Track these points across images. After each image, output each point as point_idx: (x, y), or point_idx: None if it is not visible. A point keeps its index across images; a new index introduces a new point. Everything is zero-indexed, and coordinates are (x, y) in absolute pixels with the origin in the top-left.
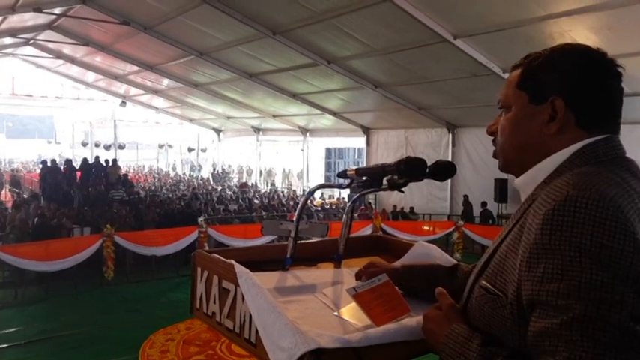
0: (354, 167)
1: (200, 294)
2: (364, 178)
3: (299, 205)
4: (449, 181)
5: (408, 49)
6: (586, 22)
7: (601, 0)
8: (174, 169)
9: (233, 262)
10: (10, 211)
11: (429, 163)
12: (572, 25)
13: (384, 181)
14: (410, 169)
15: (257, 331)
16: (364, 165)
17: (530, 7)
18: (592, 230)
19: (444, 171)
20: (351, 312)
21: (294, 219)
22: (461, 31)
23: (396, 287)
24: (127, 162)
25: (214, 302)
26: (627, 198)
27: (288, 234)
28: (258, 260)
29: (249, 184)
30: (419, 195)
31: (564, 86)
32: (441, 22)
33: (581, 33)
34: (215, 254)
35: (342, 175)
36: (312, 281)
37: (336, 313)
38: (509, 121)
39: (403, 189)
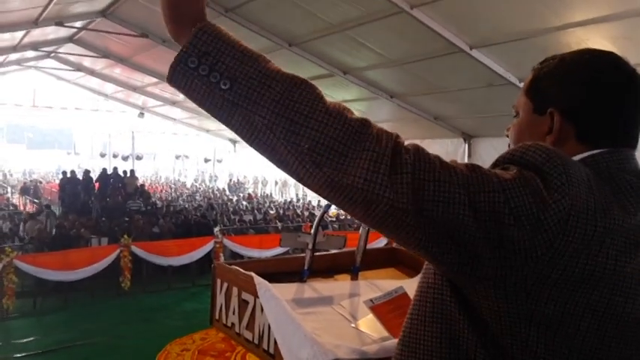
0: None
1: (220, 305)
2: None
3: (317, 219)
4: None
5: (424, 59)
6: (603, 32)
7: (618, 9)
8: (196, 180)
9: (253, 274)
10: (26, 220)
11: None
12: (589, 34)
13: None
14: None
15: (276, 342)
16: None
17: (547, 17)
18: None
19: None
20: (368, 324)
21: (312, 232)
22: (477, 42)
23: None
24: (144, 172)
25: (234, 313)
26: (582, 172)
27: (306, 246)
28: (277, 272)
29: (266, 193)
30: None
31: (563, 99)
32: (457, 33)
33: (598, 42)
34: (235, 266)
35: None
36: (329, 293)
37: (353, 325)
38: (516, 127)
39: None
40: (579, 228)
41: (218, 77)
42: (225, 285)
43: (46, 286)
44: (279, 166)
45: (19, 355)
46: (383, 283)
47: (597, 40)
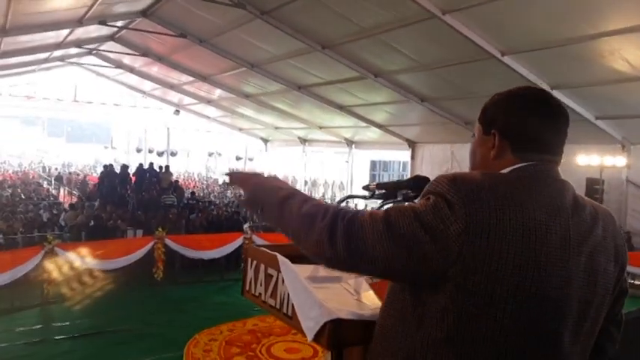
0: (375, 182)
1: (250, 279)
2: (383, 191)
3: None
4: None
5: (455, 64)
6: (637, 41)
7: None
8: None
9: (277, 254)
10: (67, 211)
11: None
12: (622, 43)
13: (399, 195)
14: (418, 185)
15: (293, 306)
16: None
17: (580, 26)
18: (431, 194)
19: None
20: (368, 297)
21: None
22: (509, 48)
23: None
24: (177, 168)
25: (260, 285)
26: (485, 187)
27: None
28: (296, 255)
29: None
30: None
31: (501, 123)
32: (489, 39)
33: (631, 52)
34: (263, 248)
35: (366, 188)
36: (338, 274)
37: (356, 298)
38: (472, 145)
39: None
40: (478, 233)
41: (257, 209)
42: (255, 262)
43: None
44: (290, 239)
45: (57, 338)
46: None
47: (631, 49)
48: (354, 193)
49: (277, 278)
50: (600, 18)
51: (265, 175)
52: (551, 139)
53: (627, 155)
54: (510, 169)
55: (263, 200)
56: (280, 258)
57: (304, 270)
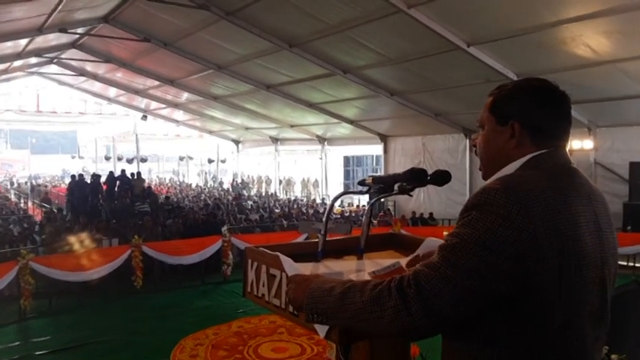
0: (372, 176)
1: (251, 280)
2: (380, 185)
3: (327, 209)
4: (467, 186)
5: (422, 57)
6: (597, 27)
7: (610, 5)
8: (206, 184)
9: (278, 253)
10: (44, 224)
11: (446, 169)
12: (583, 29)
13: (395, 187)
14: (414, 177)
15: None
16: (382, 172)
17: (541, 14)
18: (485, 207)
19: (440, 178)
20: None
21: (324, 220)
22: (474, 39)
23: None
24: (148, 174)
25: (263, 286)
26: (533, 190)
27: (319, 232)
28: (296, 254)
29: (270, 192)
30: (437, 201)
31: (520, 114)
32: (454, 31)
33: (592, 37)
34: (262, 249)
35: (362, 183)
36: (339, 269)
37: None
38: (483, 137)
39: (411, 193)
40: (545, 234)
41: (321, 319)
42: (255, 264)
43: (61, 287)
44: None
45: (38, 353)
46: (384, 261)
47: (591, 35)
48: (329, 189)
49: (280, 278)
50: (560, 5)
51: (304, 278)
52: (565, 126)
53: (594, 138)
54: (530, 157)
55: (325, 310)
56: (283, 258)
57: (305, 268)
